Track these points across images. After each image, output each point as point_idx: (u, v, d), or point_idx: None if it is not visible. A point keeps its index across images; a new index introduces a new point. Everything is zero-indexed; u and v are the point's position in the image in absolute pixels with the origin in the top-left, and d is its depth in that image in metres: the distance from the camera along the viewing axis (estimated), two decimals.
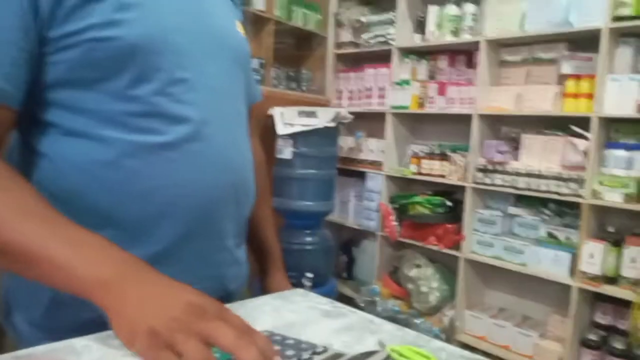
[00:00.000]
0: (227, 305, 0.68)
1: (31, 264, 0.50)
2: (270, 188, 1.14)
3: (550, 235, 2.22)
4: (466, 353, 0.60)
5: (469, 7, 2.48)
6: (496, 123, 2.48)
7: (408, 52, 2.78)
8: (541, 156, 2.21)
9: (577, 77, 2.11)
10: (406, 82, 2.72)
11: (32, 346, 0.52)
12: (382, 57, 2.85)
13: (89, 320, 0.62)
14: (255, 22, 2.72)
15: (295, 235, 2.47)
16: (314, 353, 0.49)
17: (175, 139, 0.65)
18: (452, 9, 2.54)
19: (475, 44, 2.41)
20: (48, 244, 0.50)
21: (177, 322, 0.44)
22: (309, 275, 2.31)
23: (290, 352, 0.48)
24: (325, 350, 0.50)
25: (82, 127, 0.62)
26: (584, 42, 2.16)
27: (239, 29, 0.83)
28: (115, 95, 0.62)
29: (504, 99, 2.35)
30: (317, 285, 2.34)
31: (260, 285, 0.97)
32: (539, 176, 2.16)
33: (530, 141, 2.27)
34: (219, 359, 0.46)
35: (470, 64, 2.58)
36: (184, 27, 0.68)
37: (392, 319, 2.26)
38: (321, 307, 0.70)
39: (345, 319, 0.66)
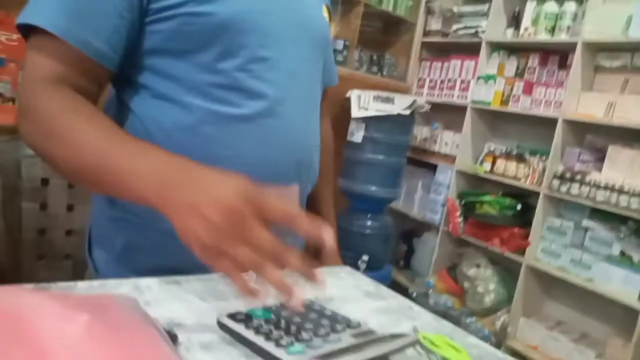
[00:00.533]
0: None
1: (103, 179, 0.57)
2: (335, 169, 1.17)
3: (624, 254, 2.10)
4: (499, 353, 0.61)
5: (570, 6, 2.35)
6: (582, 130, 2.35)
7: (498, 46, 2.69)
8: (627, 171, 2.08)
9: None
10: (492, 77, 2.64)
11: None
12: (469, 50, 2.77)
13: (151, 267, 0.70)
14: (344, 3, 2.73)
15: (357, 217, 2.50)
16: (348, 326, 0.52)
17: (251, 112, 0.70)
18: (551, 6, 2.41)
19: (572, 45, 2.28)
20: (112, 159, 0.57)
21: (217, 230, 0.48)
22: (365, 258, 2.34)
23: (325, 322, 0.52)
24: (359, 325, 0.53)
25: (170, 93, 0.69)
26: None
27: (324, 13, 0.86)
28: (202, 66, 0.68)
29: (595, 106, 2.23)
30: (372, 269, 2.38)
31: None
32: (621, 191, 2.04)
33: (617, 154, 2.14)
34: (260, 316, 0.51)
35: (563, 65, 2.45)
36: (271, 9, 0.72)
37: (444, 314, 2.26)
38: (364, 287, 0.73)
39: (385, 302, 0.69)
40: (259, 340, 0.47)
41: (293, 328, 0.50)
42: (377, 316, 0.64)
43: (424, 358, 0.55)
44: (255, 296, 0.46)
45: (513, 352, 2.27)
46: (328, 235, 0.49)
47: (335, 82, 0.98)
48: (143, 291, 0.57)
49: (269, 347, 0.46)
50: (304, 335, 0.48)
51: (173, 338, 0.45)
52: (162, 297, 0.57)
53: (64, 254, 1.00)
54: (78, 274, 0.98)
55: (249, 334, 0.48)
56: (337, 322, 0.53)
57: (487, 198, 2.57)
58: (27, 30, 0.62)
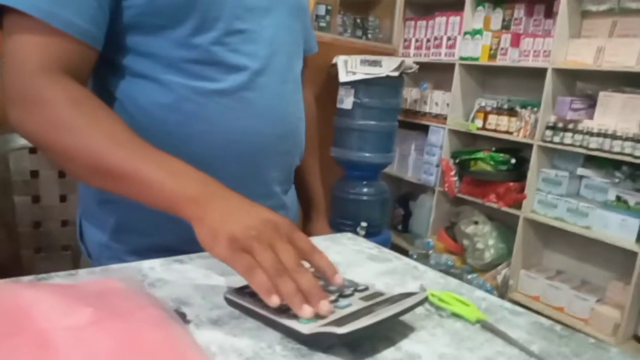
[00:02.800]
0: None
1: (127, 184, 0.56)
2: (326, 138, 1.14)
3: (620, 199, 2.12)
4: (507, 304, 0.62)
5: None
6: (572, 78, 2.34)
7: None
8: (618, 116, 2.08)
9: None
10: (478, 32, 2.60)
11: (101, 265, 0.59)
12: (454, 5, 2.72)
13: (147, 246, 0.71)
14: None
15: (352, 185, 2.50)
16: (356, 290, 0.52)
17: (230, 86, 0.69)
18: None
19: None
20: (141, 166, 0.55)
21: (254, 230, 0.48)
22: (364, 224, 2.35)
23: (333, 288, 0.52)
24: (366, 288, 0.53)
25: (147, 71, 0.67)
26: None
27: None
28: (177, 42, 0.66)
29: (584, 52, 2.20)
30: (372, 235, 2.38)
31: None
32: (614, 137, 2.04)
33: (608, 99, 2.13)
34: None
35: (549, 14, 2.42)
36: None
37: (445, 273, 2.28)
38: (367, 251, 0.73)
39: (390, 264, 0.69)
40: (270, 313, 0.47)
41: None
42: (383, 278, 0.64)
43: (433, 315, 0.55)
44: (272, 295, 0.45)
45: (515, 305, 2.30)
46: (338, 280, 0.51)
47: (314, 50, 0.95)
48: (146, 273, 0.57)
49: (281, 318, 0.45)
50: None
51: (182, 317, 0.45)
52: (166, 278, 0.56)
53: (62, 244, 0.99)
54: (77, 263, 0.97)
55: (258, 308, 0.47)
56: (344, 287, 0.52)
57: (480, 155, 2.57)
58: None
